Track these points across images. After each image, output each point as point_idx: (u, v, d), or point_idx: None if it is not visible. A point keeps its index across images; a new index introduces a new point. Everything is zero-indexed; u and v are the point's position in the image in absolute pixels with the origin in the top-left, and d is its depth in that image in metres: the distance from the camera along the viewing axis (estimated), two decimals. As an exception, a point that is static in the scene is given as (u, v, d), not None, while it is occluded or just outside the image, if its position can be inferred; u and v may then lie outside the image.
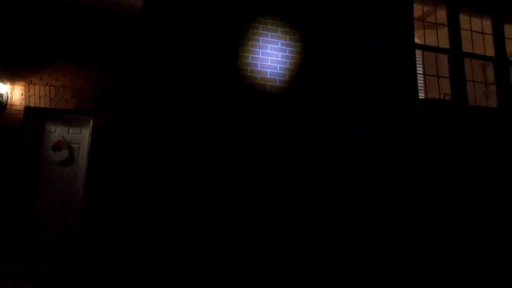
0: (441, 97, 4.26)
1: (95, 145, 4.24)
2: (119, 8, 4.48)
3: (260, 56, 2.76)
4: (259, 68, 2.73)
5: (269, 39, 2.81)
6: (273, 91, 2.74)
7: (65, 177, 4.25)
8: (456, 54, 3.66)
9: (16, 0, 4.27)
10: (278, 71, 2.79)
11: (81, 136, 4.42)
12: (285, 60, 2.84)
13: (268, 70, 2.76)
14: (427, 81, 4.31)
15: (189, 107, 2.52)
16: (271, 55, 2.79)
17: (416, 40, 4.11)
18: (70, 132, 4.38)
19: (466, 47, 4.02)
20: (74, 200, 4.24)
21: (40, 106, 4.13)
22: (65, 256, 3.99)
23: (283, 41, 2.86)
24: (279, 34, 2.86)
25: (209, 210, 2.45)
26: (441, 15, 3.90)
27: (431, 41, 4.67)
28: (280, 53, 2.83)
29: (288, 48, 2.87)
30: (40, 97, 4.15)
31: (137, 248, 2.29)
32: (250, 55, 2.72)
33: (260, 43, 2.78)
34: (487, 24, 3.97)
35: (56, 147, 4.28)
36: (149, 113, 2.44)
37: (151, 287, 2.26)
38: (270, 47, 2.81)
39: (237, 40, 2.72)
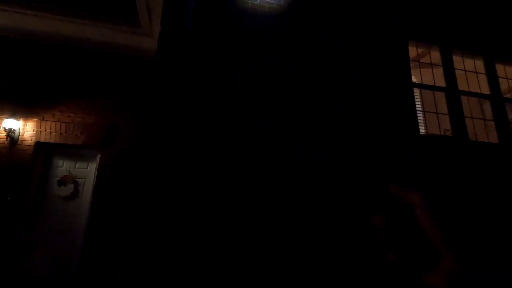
0: (442, 133, 4.35)
1: (100, 179, 4.27)
2: (127, 50, 4.78)
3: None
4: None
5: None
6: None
7: (68, 212, 4.23)
8: (452, 92, 3.81)
9: (27, 43, 4.58)
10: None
11: (87, 171, 4.46)
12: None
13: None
14: (426, 118, 4.43)
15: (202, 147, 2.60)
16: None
17: (414, 79, 4.31)
18: (76, 166, 4.44)
19: (462, 85, 4.20)
20: (77, 235, 4.16)
21: (50, 141, 4.24)
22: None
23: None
24: (283, 74, 3.03)
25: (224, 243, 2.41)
26: (435, 55, 4.13)
27: (427, 79, 4.88)
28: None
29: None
30: (51, 132, 4.28)
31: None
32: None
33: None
34: (479, 64, 4.19)
35: (62, 182, 4.31)
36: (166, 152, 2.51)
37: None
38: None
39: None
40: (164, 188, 2.45)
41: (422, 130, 3.84)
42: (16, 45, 4.51)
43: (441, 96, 4.11)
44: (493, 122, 3.95)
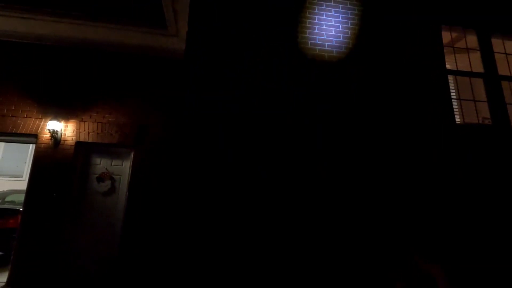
0: (480, 121, 4.09)
1: (134, 176, 4.51)
2: (155, 52, 4.96)
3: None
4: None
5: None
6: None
7: (107, 206, 4.52)
8: (492, 77, 3.57)
9: (64, 50, 4.89)
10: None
11: (122, 168, 4.72)
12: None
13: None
14: (463, 106, 4.19)
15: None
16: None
17: (448, 66, 4.08)
18: (113, 164, 4.71)
19: (502, 70, 3.91)
20: (114, 229, 4.44)
21: (88, 141, 4.54)
22: (108, 283, 4.11)
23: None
24: (309, 67, 3.01)
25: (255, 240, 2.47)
26: (471, 40, 3.88)
27: (462, 66, 4.59)
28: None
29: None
30: (88, 133, 4.57)
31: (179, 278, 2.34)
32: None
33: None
34: (523, 46, 3.88)
35: (100, 179, 4.60)
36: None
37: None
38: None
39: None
40: (191, 184, 2.54)
41: (457, 119, 3.64)
42: (53, 52, 4.85)
43: (478, 83, 3.86)
44: (539, 108, 3.65)
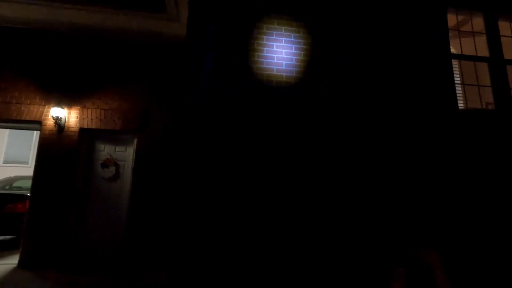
0: (484, 106, 4.06)
1: (138, 162, 4.57)
2: (156, 37, 4.91)
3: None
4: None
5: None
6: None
7: (112, 192, 4.61)
8: (497, 61, 3.51)
9: (65, 36, 4.86)
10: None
11: (126, 154, 4.78)
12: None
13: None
14: (466, 91, 4.14)
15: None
16: (303, 73, 2.91)
17: (452, 50, 4.02)
18: (116, 150, 4.77)
19: (508, 54, 3.85)
20: (120, 213, 4.55)
21: (92, 127, 4.58)
22: (115, 267, 4.26)
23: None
24: (311, 52, 2.98)
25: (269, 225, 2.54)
26: (477, 23, 3.80)
27: (467, 50, 4.51)
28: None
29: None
30: (92, 119, 4.60)
31: (184, 262, 2.42)
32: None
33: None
34: (530, 29, 3.79)
35: (105, 164, 4.67)
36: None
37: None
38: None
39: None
40: (193, 170, 2.58)
41: (461, 104, 3.62)
42: (55, 39, 4.82)
43: (483, 67, 3.80)
44: (544, 93, 3.60)
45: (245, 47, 2.89)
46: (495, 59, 3.52)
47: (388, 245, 2.62)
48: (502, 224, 2.90)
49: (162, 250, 4.42)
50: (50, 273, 3.93)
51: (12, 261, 4.35)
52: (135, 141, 4.73)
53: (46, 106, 4.56)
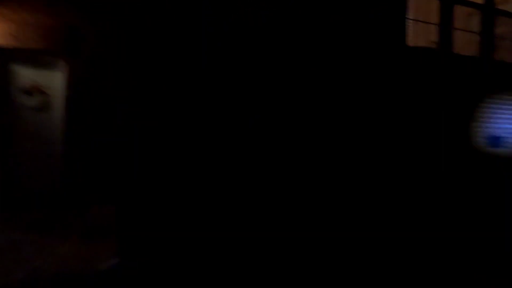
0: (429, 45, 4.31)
1: (73, 90, 3.97)
2: None
3: None
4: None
5: None
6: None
7: (43, 124, 4.05)
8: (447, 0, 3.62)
9: None
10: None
11: (54, 80, 4.10)
12: None
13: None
14: (419, 29, 4.29)
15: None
16: None
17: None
18: (42, 75, 4.04)
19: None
20: (55, 147, 4.08)
21: (3, 45, 3.71)
22: (58, 203, 3.98)
23: None
24: None
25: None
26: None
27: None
28: None
29: None
30: (2, 35, 3.70)
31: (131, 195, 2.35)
32: None
33: None
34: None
35: (28, 92, 3.98)
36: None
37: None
38: None
39: None
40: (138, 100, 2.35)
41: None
42: None
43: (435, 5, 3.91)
44: (477, 36, 3.93)
45: None
46: (446, -3, 3.61)
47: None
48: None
49: (108, 185, 4.20)
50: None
51: None
52: (66, 65, 4.03)
53: None
